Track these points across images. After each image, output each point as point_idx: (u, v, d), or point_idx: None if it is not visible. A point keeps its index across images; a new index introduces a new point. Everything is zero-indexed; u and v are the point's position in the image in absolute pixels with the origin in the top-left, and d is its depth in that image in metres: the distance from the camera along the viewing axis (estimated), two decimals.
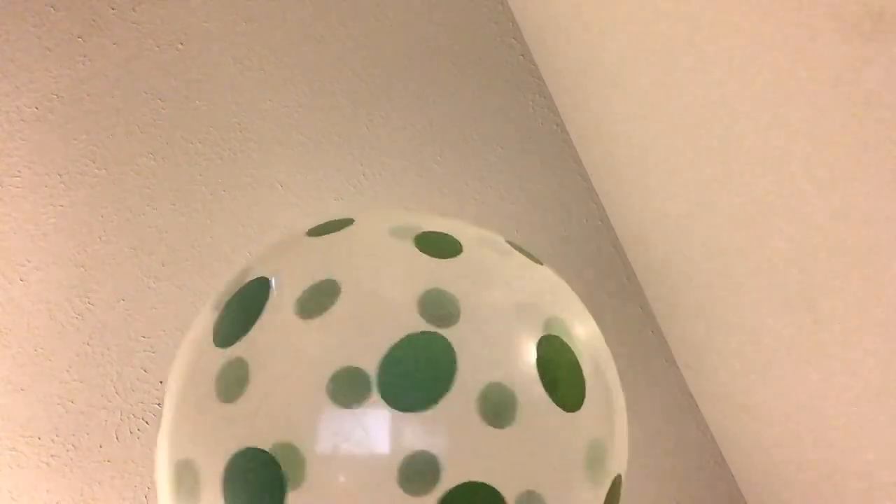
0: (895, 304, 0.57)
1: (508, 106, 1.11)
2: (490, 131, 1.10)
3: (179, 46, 1.08)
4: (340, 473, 0.45)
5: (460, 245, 0.56)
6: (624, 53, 0.83)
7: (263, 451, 0.46)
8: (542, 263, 0.62)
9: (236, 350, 0.50)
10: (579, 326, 0.56)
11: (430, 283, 0.50)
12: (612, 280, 1.08)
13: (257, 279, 0.54)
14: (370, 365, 0.46)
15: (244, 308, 0.53)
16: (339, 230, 0.57)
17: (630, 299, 1.08)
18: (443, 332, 0.48)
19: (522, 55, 1.12)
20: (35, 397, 0.98)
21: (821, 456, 0.77)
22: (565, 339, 0.53)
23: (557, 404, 0.49)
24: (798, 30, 0.54)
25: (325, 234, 0.58)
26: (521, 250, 0.61)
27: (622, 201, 1.03)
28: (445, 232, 0.57)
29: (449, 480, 0.45)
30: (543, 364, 0.50)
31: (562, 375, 0.51)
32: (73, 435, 0.98)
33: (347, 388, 0.46)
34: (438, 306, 0.49)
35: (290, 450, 0.45)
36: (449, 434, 0.46)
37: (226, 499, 0.47)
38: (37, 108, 1.04)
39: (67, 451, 0.98)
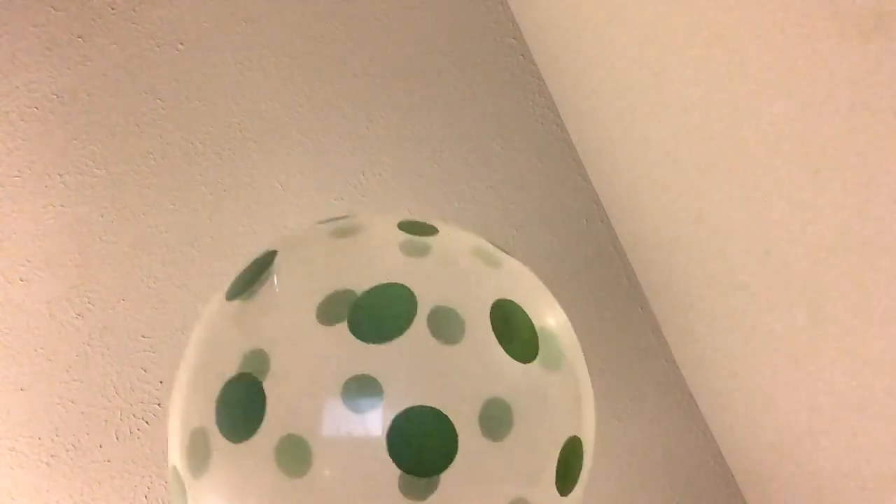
0: (895, 304, 0.57)
1: (508, 106, 1.11)
2: (490, 131, 1.10)
3: (179, 46, 1.08)
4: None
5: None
6: (624, 53, 0.83)
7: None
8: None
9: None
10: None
11: None
12: (612, 280, 1.08)
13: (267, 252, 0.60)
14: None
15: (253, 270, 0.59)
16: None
17: (630, 299, 1.08)
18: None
19: (522, 55, 1.12)
20: (35, 397, 0.98)
21: (821, 456, 0.77)
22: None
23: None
24: (798, 30, 0.54)
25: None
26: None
27: (622, 201, 1.03)
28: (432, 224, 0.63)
29: None
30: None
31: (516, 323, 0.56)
32: (73, 435, 0.98)
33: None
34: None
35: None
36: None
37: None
38: (37, 108, 1.04)
39: (67, 451, 0.98)
